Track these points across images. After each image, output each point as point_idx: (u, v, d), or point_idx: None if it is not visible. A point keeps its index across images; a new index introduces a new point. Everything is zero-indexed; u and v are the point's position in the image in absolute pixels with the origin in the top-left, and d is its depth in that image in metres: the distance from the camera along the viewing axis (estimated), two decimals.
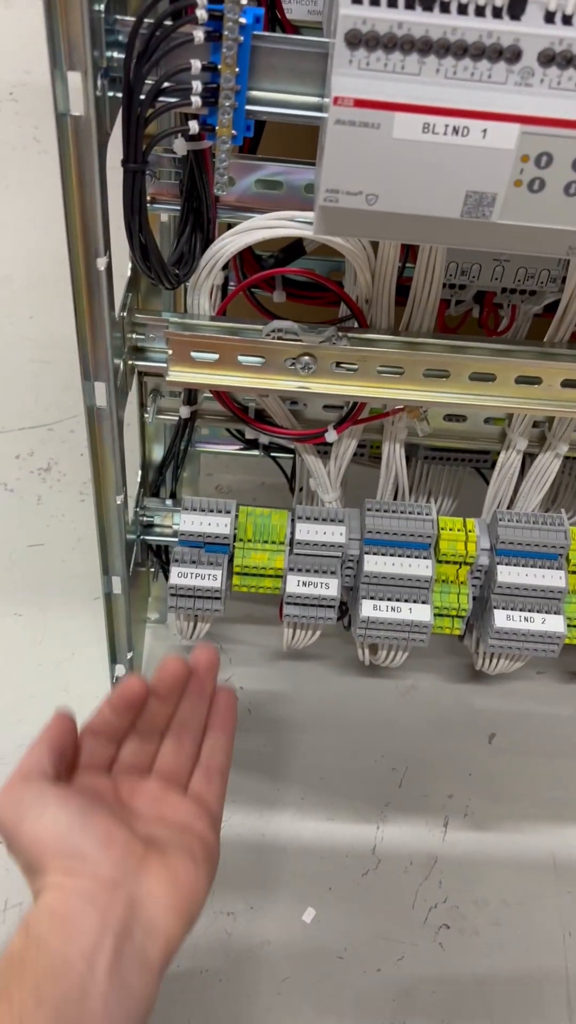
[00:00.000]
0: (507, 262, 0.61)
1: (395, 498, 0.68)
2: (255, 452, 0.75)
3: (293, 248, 0.66)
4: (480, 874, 0.71)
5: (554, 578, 0.64)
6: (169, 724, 0.51)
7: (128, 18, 0.41)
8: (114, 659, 0.71)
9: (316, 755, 0.76)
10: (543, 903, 0.70)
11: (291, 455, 0.73)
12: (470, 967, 0.67)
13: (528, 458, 0.68)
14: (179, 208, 0.52)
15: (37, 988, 0.37)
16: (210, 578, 0.65)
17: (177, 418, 0.66)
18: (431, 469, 0.74)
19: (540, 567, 0.65)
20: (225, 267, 0.61)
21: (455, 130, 0.38)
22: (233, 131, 0.44)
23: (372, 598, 0.65)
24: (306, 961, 0.66)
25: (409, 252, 0.59)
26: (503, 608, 0.65)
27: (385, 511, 0.66)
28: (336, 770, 0.76)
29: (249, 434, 0.69)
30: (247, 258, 0.62)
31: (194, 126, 0.44)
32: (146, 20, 0.41)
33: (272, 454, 0.75)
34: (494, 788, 0.76)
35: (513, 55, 0.38)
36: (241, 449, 0.75)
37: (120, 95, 0.43)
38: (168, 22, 0.41)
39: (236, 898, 0.68)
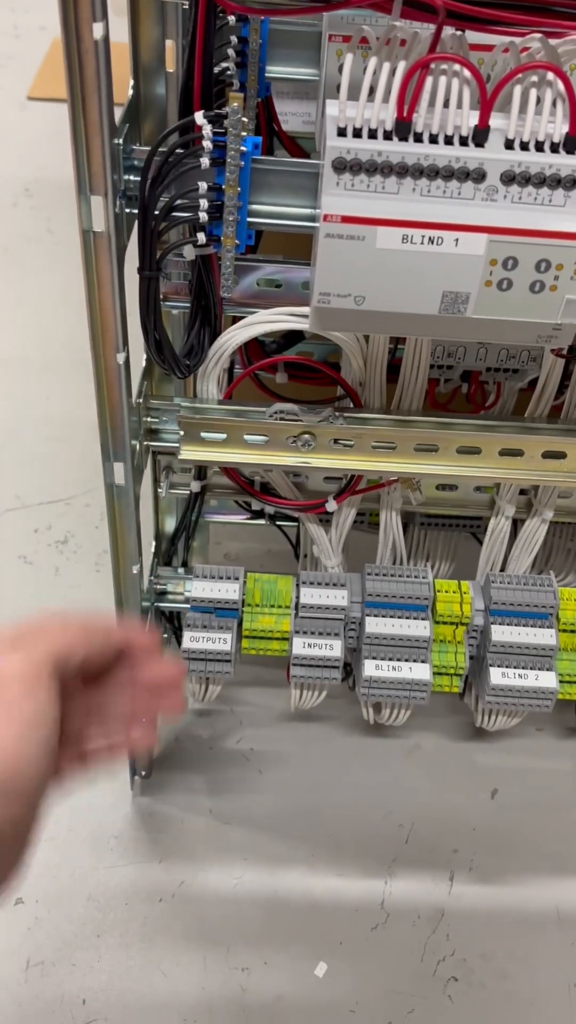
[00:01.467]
0: (490, 344, 0.67)
1: (394, 563, 0.73)
2: (261, 521, 0.80)
3: (293, 334, 0.72)
4: (486, 927, 0.73)
5: (545, 636, 0.68)
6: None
7: (143, 148, 0.48)
8: None
9: (324, 813, 0.79)
10: (548, 955, 0.72)
11: (295, 523, 0.77)
12: (478, 1020, 0.69)
13: (518, 523, 0.72)
14: (189, 306, 0.58)
15: None
16: (220, 641, 0.69)
17: (188, 492, 0.70)
18: (428, 534, 0.79)
19: (532, 626, 0.69)
20: (232, 353, 0.67)
21: (431, 240, 0.44)
22: (236, 240, 0.49)
23: (374, 658, 0.69)
24: (319, 1016, 0.68)
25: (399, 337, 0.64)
26: (498, 666, 0.68)
27: (384, 575, 0.70)
28: (343, 827, 0.78)
29: (255, 505, 0.74)
30: (251, 343, 0.68)
31: (201, 237, 0.49)
32: (160, 149, 0.47)
33: (277, 523, 0.79)
34: (498, 842, 0.78)
35: (479, 176, 0.43)
36: (248, 519, 0.80)
37: (136, 211, 0.49)
38: (179, 150, 0.47)
39: (250, 954, 0.71)
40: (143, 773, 0.80)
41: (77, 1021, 0.67)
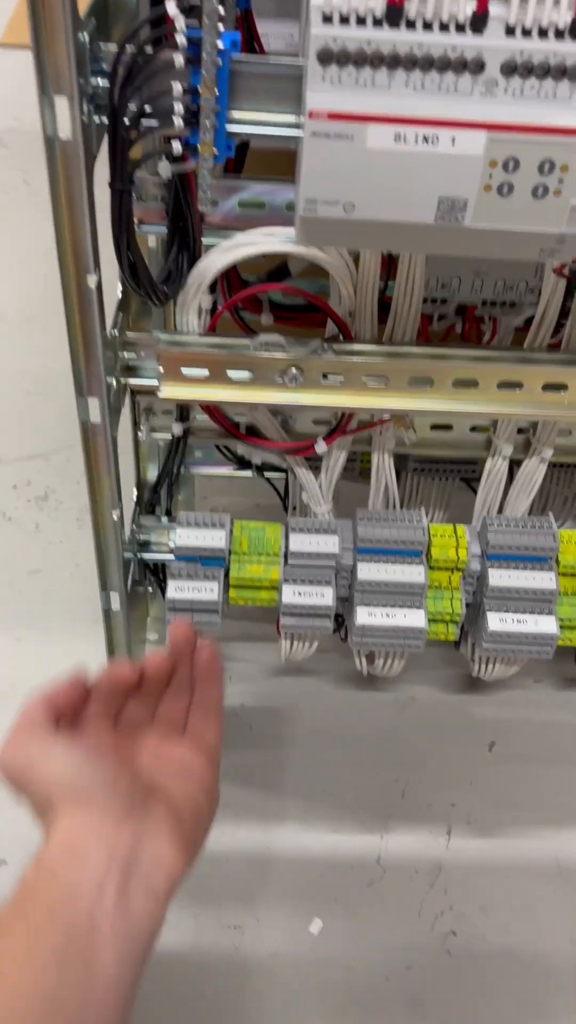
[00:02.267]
0: (485, 275, 0.63)
1: (387, 508, 0.70)
2: (248, 473, 0.76)
3: (279, 271, 0.69)
4: (485, 881, 0.72)
5: (544, 580, 0.65)
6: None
7: (112, 45, 0.44)
8: None
9: (318, 768, 0.77)
10: (549, 907, 0.70)
11: (284, 474, 0.74)
12: (479, 973, 0.67)
13: (515, 465, 0.69)
14: (166, 229, 0.54)
15: (50, 910, 0.40)
16: (207, 591, 0.66)
17: (170, 436, 0.67)
18: (421, 482, 0.76)
19: (530, 570, 0.66)
20: (213, 291, 0.63)
21: (425, 139, 0.40)
22: (215, 150, 0.46)
23: (367, 605, 0.66)
24: (315, 972, 0.66)
25: (390, 269, 0.61)
26: (496, 611, 0.66)
27: (377, 520, 0.67)
28: (339, 782, 0.76)
29: (241, 450, 0.70)
30: (234, 282, 0.64)
31: (177, 147, 0.46)
32: (128, 47, 0.43)
33: (265, 474, 0.76)
34: (496, 795, 0.76)
35: (477, 67, 0.40)
36: (235, 470, 0.77)
37: (106, 120, 0.45)
38: (149, 48, 0.43)
39: (243, 911, 0.69)
40: None
41: None
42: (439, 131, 0.40)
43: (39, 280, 1.15)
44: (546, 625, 0.66)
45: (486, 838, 0.74)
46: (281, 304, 0.69)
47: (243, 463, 0.75)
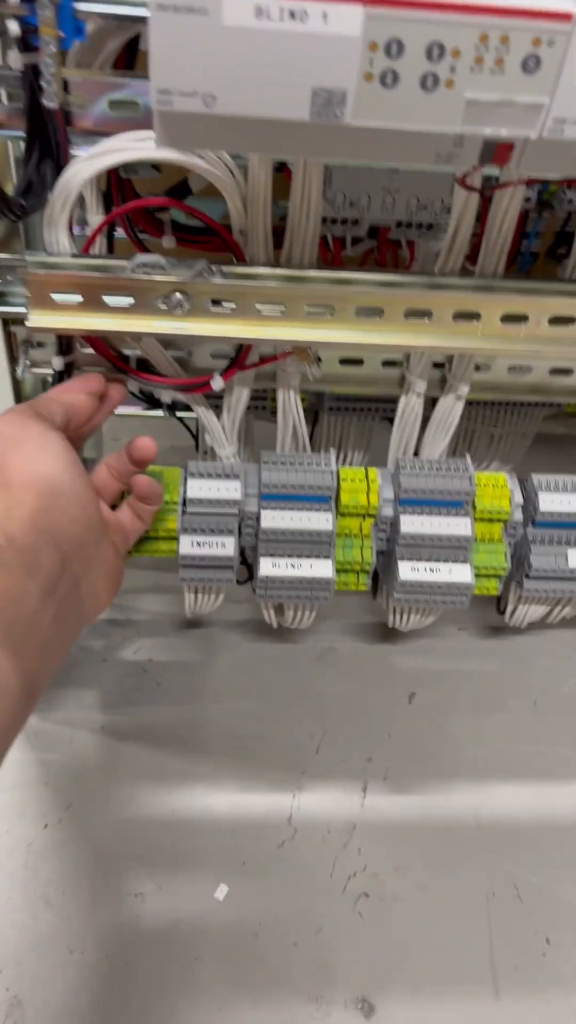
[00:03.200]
0: (397, 192, 0.58)
1: (296, 451, 0.65)
2: (159, 413, 0.71)
3: (179, 188, 0.62)
4: (401, 839, 0.68)
5: (459, 526, 0.61)
6: None
7: None
8: None
9: (229, 725, 0.73)
10: (466, 864, 0.68)
11: (196, 414, 0.69)
12: (391, 935, 0.64)
13: (433, 404, 0.65)
14: (24, 133, 0.47)
15: None
16: None
17: (51, 371, 0.61)
18: (339, 422, 0.71)
19: (445, 515, 0.61)
20: (108, 210, 0.57)
21: (292, 14, 0.34)
22: (59, 31, 0.39)
23: (271, 555, 0.62)
24: (219, 940, 0.63)
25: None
26: (408, 559, 0.61)
27: (282, 464, 0.62)
28: (250, 739, 0.72)
29: (132, 386, 0.64)
30: (130, 199, 0.58)
31: (13, 26, 0.39)
32: None
33: (178, 414, 0.71)
34: (414, 749, 0.73)
35: None
36: (145, 409, 0.71)
37: None
38: None
39: (145, 878, 0.65)
40: None
41: None
42: (308, 5, 0.34)
43: None
44: (460, 574, 0.61)
45: (403, 794, 0.71)
46: (185, 226, 0.63)
47: (152, 402, 0.70)
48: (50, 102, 0.41)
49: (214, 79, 0.36)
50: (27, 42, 0.41)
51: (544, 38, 0.35)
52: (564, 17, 0.35)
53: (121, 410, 0.73)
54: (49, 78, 0.40)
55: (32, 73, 0.44)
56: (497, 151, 0.40)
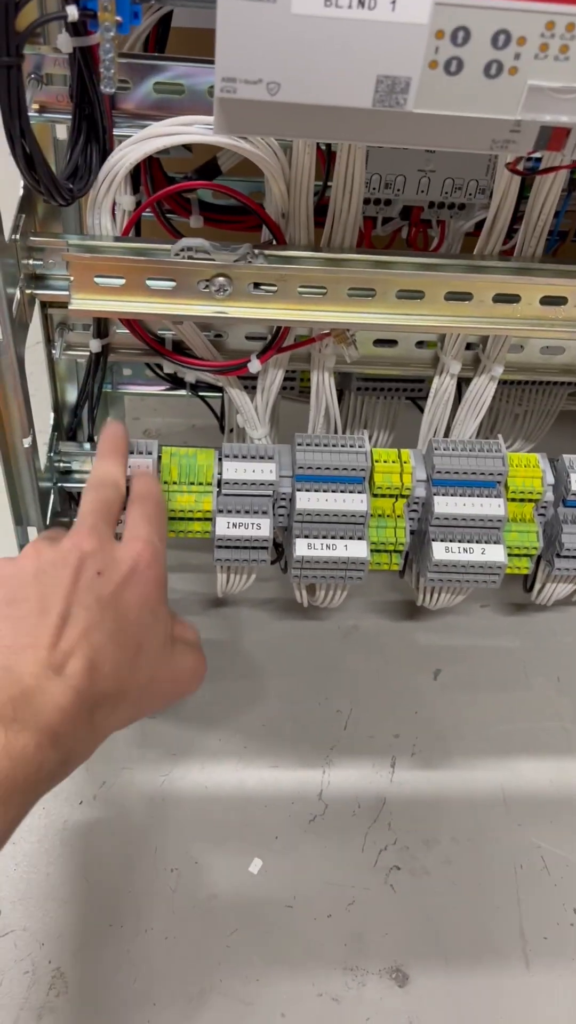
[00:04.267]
0: (432, 173, 0.58)
1: (328, 432, 0.65)
2: (183, 392, 0.71)
3: (208, 168, 0.62)
4: (429, 813, 0.70)
5: (492, 507, 0.62)
6: None
7: None
8: None
9: (257, 702, 0.74)
10: (494, 838, 0.69)
11: (220, 394, 0.69)
12: (422, 907, 0.65)
13: (464, 384, 0.65)
14: (71, 117, 0.47)
15: None
16: None
17: (88, 353, 0.61)
18: (365, 402, 0.71)
19: (478, 496, 0.62)
20: (136, 191, 0.57)
21: (360, 2, 0.34)
22: (118, 17, 0.39)
23: (306, 536, 0.62)
24: (254, 912, 0.64)
25: (329, 169, 0.55)
26: (441, 540, 0.62)
27: (316, 445, 0.62)
28: (279, 716, 0.73)
29: (167, 368, 0.65)
30: (158, 179, 0.58)
31: (72, 11, 0.39)
32: None
33: (200, 394, 0.71)
34: (441, 725, 0.74)
35: None
36: (167, 390, 0.71)
37: None
38: None
39: (179, 854, 0.66)
40: None
41: None
42: None
43: None
44: (494, 553, 0.62)
45: (430, 769, 0.72)
46: (213, 205, 0.63)
47: (176, 382, 0.70)
48: (108, 88, 0.41)
49: (280, 67, 0.36)
50: (81, 26, 0.41)
51: None
52: None
53: (144, 389, 0.74)
54: (109, 63, 0.40)
55: (82, 56, 0.44)
56: (553, 137, 0.40)
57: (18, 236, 0.50)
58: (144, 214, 0.62)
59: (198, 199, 0.63)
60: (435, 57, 0.36)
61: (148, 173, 0.59)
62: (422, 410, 0.66)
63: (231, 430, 0.69)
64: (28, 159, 0.43)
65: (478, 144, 0.40)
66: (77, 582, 0.46)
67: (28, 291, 0.52)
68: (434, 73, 0.36)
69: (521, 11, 0.35)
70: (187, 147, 0.61)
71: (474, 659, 0.78)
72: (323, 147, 0.54)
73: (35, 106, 0.48)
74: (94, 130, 0.47)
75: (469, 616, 0.81)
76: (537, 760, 0.73)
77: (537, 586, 0.70)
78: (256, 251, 0.51)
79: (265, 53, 0.36)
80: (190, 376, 0.66)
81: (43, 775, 0.42)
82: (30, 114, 0.48)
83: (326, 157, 0.55)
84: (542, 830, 0.70)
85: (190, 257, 0.51)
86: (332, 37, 0.35)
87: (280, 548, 0.70)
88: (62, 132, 0.56)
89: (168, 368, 0.65)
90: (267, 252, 0.51)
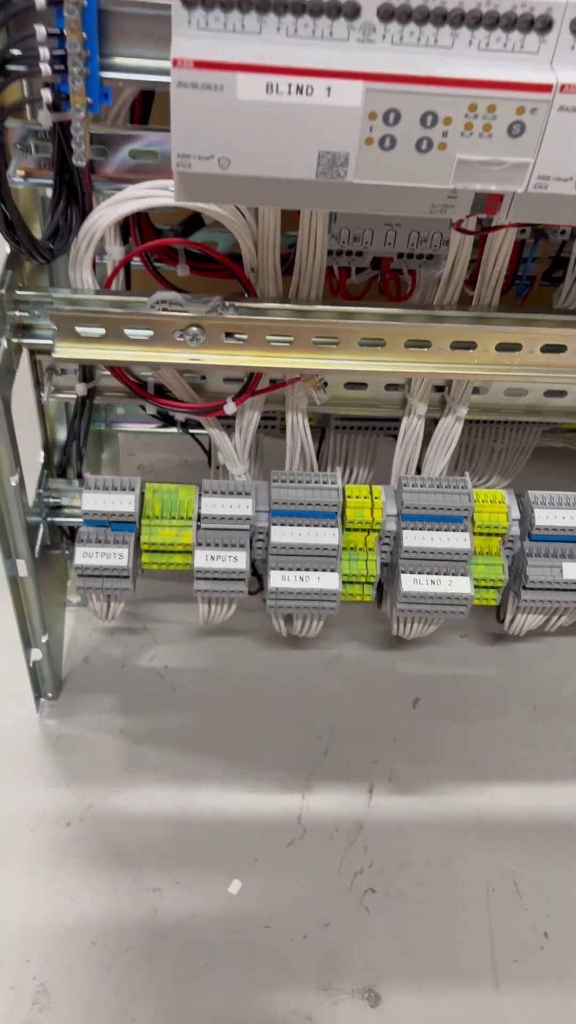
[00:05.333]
0: (398, 227, 0.61)
1: (304, 469, 0.68)
2: (174, 430, 0.74)
3: (192, 221, 0.66)
4: (405, 837, 0.72)
5: (459, 540, 0.65)
6: None
7: None
8: (28, 643, 0.70)
9: (241, 728, 0.77)
10: (467, 861, 0.71)
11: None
12: (395, 929, 0.68)
13: (433, 424, 0.68)
14: (52, 182, 0.51)
15: None
16: (116, 556, 0.64)
17: (75, 396, 0.65)
18: (345, 439, 0.74)
19: (445, 530, 0.65)
20: (126, 242, 0.60)
21: (299, 89, 0.38)
22: (88, 99, 0.43)
23: (281, 568, 0.65)
24: (233, 932, 0.67)
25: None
26: (410, 572, 0.65)
27: (291, 482, 0.66)
28: (261, 742, 0.76)
29: (150, 409, 0.68)
30: (146, 231, 0.62)
31: (46, 95, 0.43)
32: None
33: (190, 431, 0.74)
34: (418, 751, 0.77)
35: (352, 11, 0.37)
36: (159, 427, 0.75)
37: None
38: None
39: (161, 874, 0.69)
40: (49, 695, 0.76)
41: None
42: (313, 81, 0.38)
43: None
44: (460, 585, 0.65)
45: (407, 795, 0.74)
46: (198, 255, 0.67)
47: (167, 419, 0.73)
48: (79, 161, 0.45)
49: (229, 145, 0.40)
50: (58, 105, 0.45)
51: (528, 107, 0.39)
52: (545, 88, 0.38)
53: (137, 427, 0.77)
54: (79, 140, 0.44)
55: (61, 130, 0.48)
56: (488, 202, 0.44)
57: (4, 290, 0.54)
58: (136, 264, 0.66)
59: (184, 249, 0.67)
60: (370, 135, 0.40)
61: (136, 225, 0.63)
62: None
63: (219, 466, 0.73)
64: (7, 223, 0.47)
65: (419, 209, 0.44)
66: None
67: (15, 340, 0.56)
68: (370, 149, 0.40)
69: (445, 95, 0.38)
70: None
71: (452, 687, 0.81)
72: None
73: (21, 172, 0.52)
74: (73, 194, 0.51)
75: (448, 646, 0.84)
76: (512, 786, 0.76)
77: (508, 617, 0.73)
78: (227, 303, 0.55)
79: (215, 133, 0.39)
80: (180, 415, 0.70)
81: None
82: (16, 179, 0.53)
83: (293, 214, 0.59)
84: (515, 854, 0.72)
85: (164, 309, 0.54)
86: (275, 119, 0.39)
87: (261, 579, 0.73)
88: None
89: (152, 408, 0.68)
90: (237, 304, 0.55)
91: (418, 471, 0.69)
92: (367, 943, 0.67)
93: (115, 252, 0.61)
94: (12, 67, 0.42)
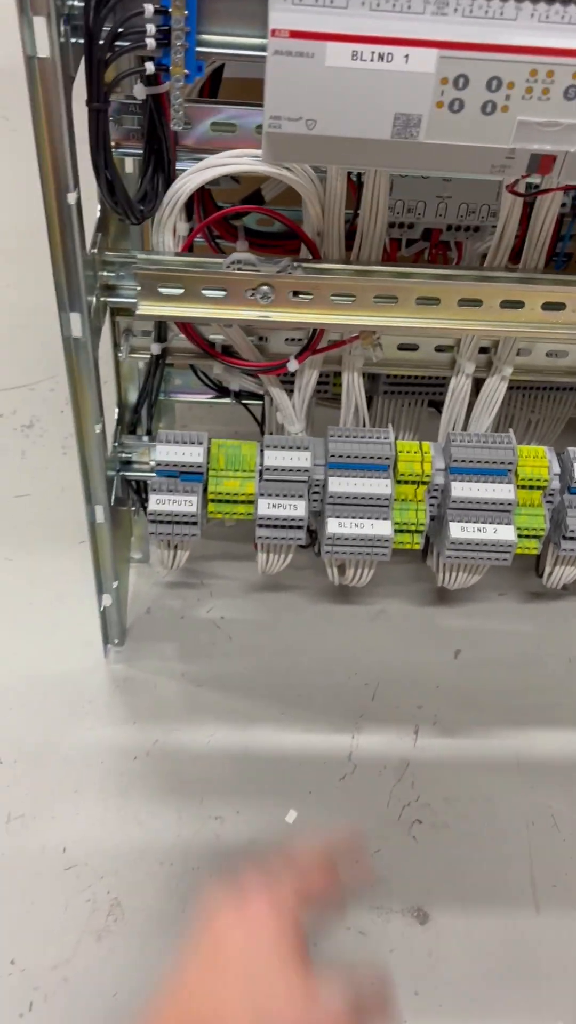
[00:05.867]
0: (449, 199, 0.66)
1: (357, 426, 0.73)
2: (227, 400, 0.80)
3: (253, 198, 0.71)
4: (449, 775, 0.77)
5: (503, 491, 0.70)
6: None
7: None
8: (101, 589, 0.76)
9: (293, 675, 0.82)
10: (508, 797, 0.76)
11: (260, 401, 0.78)
12: (441, 855, 0.72)
13: (479, 385, 0.73)
14: (142, 151, 0.57)
15: None
16: (186, 504, 0.69)
17: (149, 355, 0.70)
18: (392, 404, 0.79)
19: (491, 482, 0.70)
20: (189, 218, 0.66)
21: (380, 56, 0.43)
22: (185, 70, 0.48)
23: (337, 516, 0.70)
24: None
25: (358, 199, 0.63)
26: (458, 521, 0.70)
27: (347, 436, 0.71)
28: (312, 687, 0.81)
29: (218, 372, 0.73)
30: (209, 208, 0.67)
31: (150, 67, 0.48)
32: None
33: (243, 401, 0.79)
34: (460, 698, 0.81)
35: None
36: (214, 398, 0.80)
37: (82, 41, 0.48)
38: None
39: (222, 804, 0.73)
40: (115, 642, 0.82)
41: (57, 868, 0.69)
42: (393, 49, 0.43)
43: (22, 215, 1.17)
44: (505, 533, 0.70)
45: (451, 737, 0.79)
46: (256, 232, 0.72)
47: (222, 390, 0.79)
48: (176, 126, 0.50)
49: (316, 107, 0.45)
50: (154, 78, 0.50)
51: None
52: None
53: (193, 397, 0.82)
54: (178, 106, 0.49)
55: (153, 102, 0.53)
56: (542, 163, 0.49)
57: (96, 251, 0.59)
58: (197, 243, 0.71)
59: (244, 226, 0.72)
60: (441, 98, 0.45)
61: (201, 203, 0.68)
62: (442, 414, 0.74)
63: (270, 434, 0.78)
64: (110, 185, 0.53)
65: (479, 169, 0.49)
66: None
67: (102, 299, 0.62)
68: (440, 111, 0.45)
69: (509, 62, 0.43)
70: (235, 179, 0.70)
71: (492, 640, 0.86)
72: (353, 178, 0.63)
73: (113, 143, 0.58)
74: (160, 162, 0.56)
75: (488, 603, 0.88)
76: (549, 731, 0.80)
77: (547, 570, 0.78)
78: (295, 264, 0.60)
79: (305, 97, 0.45)
80: (234, 384, 0.75)
81: None
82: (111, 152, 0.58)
83: (357, 187, 0.64)
84: (553, 793, 0.76)
85: (239, 269, 0.60)
86: (358, 84, 0.44)
87: (313, 534, 0.78)
88: (130, 166, 0.65)
89: (216, 375, 0.73)
90: (305, 265, 0.60)
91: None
92: (415, 868, 0.71)
93: (181, 228, 0.66)
94: (120, 43, 0.47)
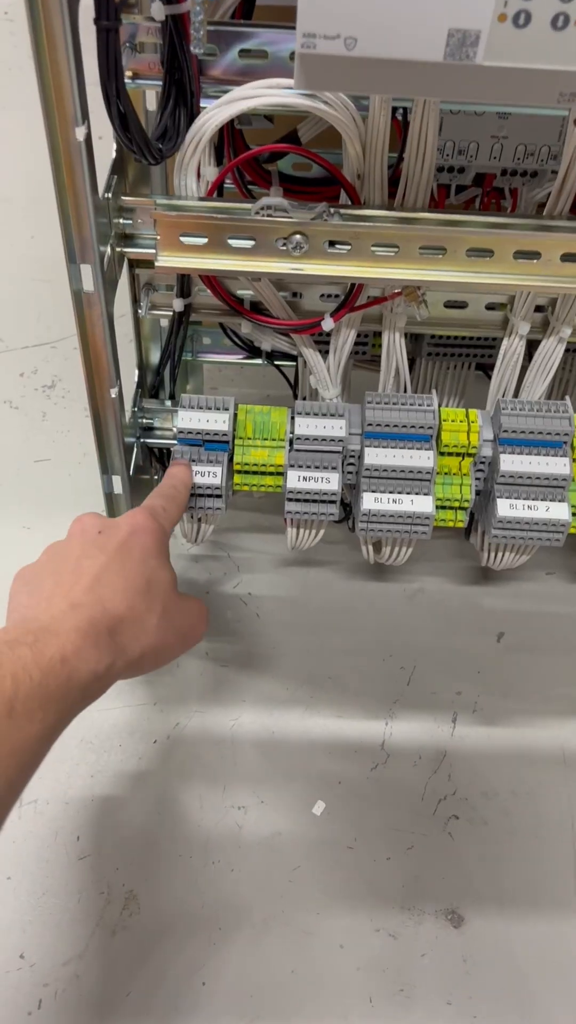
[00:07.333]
0: (505, 139, 0.59)
1: (397, 391, 0.67)
2: (258, 361, 0.74)
3: (288, 139, 0.65)
4: (489, 767, 0.72)
5: (558, 465, 0.63)
6: None
7: None
8: None
9: (324, 656, 0.77)
10: (551, 793, 0.70)
11: (294, 363, 0.72)
12: (479, 855, 0.67)
13: (533, 349, 0.67)
14: (161, 82, 0.51)
15: None
16: (210, 475, 0.64)
17: (171, 313, 0.65)
18: (435, 368, 0.73)
19: (544, 455, 0.64)
20: (219, 163, 0.60)
21: None
22: None
23: (373, 491, 0.65)
24: (317, 851, 0.67)
25: (404, 139, 0.57)
26: (506, 497, 0.64)
27: (386, 403, 0.65)
28: (345, 669, 0.76)
29: (246, 330, 0.68)
30: (240, 150, 0.61)
31: None
32: None
33: (275, 363, 0.74)
34: (503, 685, 0.76)
35: None
36: (244, 359, 0.74)
37: None
38: None
39: (246, 792, 0.69)
40: None
41: (71, 856, 0.66)
42: None
43: (42, 160, 1.11)
44: (558, 511, 0.64)
45: (491, 726, 0.74)
46: (292, 177, 0.66)
47: (252, 350, 0.73)
48: (197, 48, 0.44)
49: (356, 22, 0.39)
50: None
51: None
52: None
53: (222, 358, 0.77)
54: (198, 25, 0.43)
55: (173, 23, 0.47)
56: None
57: (111, 195, 0.54)
58: (227, 188, 0.65)
59: (278, 171, 0.66)
60: (504, 10, 0.38)
61: (231, 145, 0.62)
62: (490, 378, 0.68)
63: (303, 399, 0.72)
64: (123, 119, 0.47)
65: (546, 98, 0.42)
66: (83, 544, 0.54)
67: (118, 249, 0.56)
68: (503, 26, 0.38)
69: None
70: (268, 118, 0.64)
71: (538, 624, 0.80)
72: (398, 116, 0.57)
73: (129, 73, 0.51)
74: (182, 94, 0.50)
75: (534, 583, 0.83)
76: None
77: None
78: (332, 210, 0.54)
79: (343, 9, 0.38)
80: (266, 344, 0.69)
81: (74, 686, 0.46)
82: (125, 80, 0.52)
83: (402, 126, 0.57)
84: None
85: (269, 215, 0.53)
86: None
87: (347, 508, 0.73)
88: (151, 102, 0.59)
89: (245, 334, 0.68)
90: (343, 211, 0.54)
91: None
92: (451, 867, 0.67)
93: (208, 172, 0.60)
94: None
